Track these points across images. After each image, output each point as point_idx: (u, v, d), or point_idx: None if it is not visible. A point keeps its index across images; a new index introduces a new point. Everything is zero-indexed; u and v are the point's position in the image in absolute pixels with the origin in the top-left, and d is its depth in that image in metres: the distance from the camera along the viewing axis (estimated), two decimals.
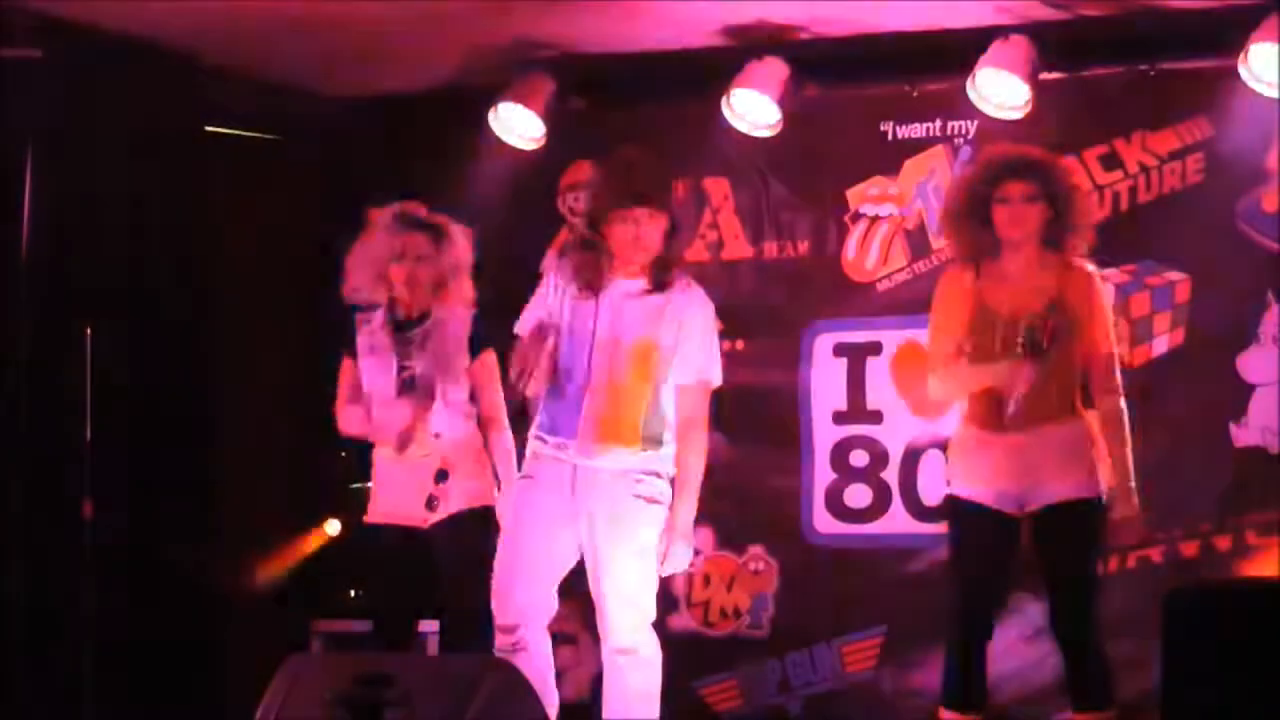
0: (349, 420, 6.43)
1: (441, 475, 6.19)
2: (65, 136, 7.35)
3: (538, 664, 5.67)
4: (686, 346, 5.76)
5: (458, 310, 6.35)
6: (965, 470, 5.94)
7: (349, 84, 8.22)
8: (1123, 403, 5.87)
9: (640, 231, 5.71)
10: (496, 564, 5.78)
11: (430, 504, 6.20)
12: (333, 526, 8.20)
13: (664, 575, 5.80)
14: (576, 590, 5.91)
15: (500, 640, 5.72)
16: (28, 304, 7.21)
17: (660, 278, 5.76)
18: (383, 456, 6.35)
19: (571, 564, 5.79)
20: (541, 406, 5.82)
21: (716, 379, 5.87)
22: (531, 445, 5.84)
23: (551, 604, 5.79)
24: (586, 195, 6.30)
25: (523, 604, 5.73)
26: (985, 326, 5.85)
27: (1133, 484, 5.81)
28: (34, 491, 7.15)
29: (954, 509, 5.96)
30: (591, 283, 5.76)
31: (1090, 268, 5.93)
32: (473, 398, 6.34)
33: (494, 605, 5.74)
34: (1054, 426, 5.81)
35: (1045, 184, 5.86)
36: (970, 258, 5.96)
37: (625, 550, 5.69)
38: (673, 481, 5.79)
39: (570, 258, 5.89)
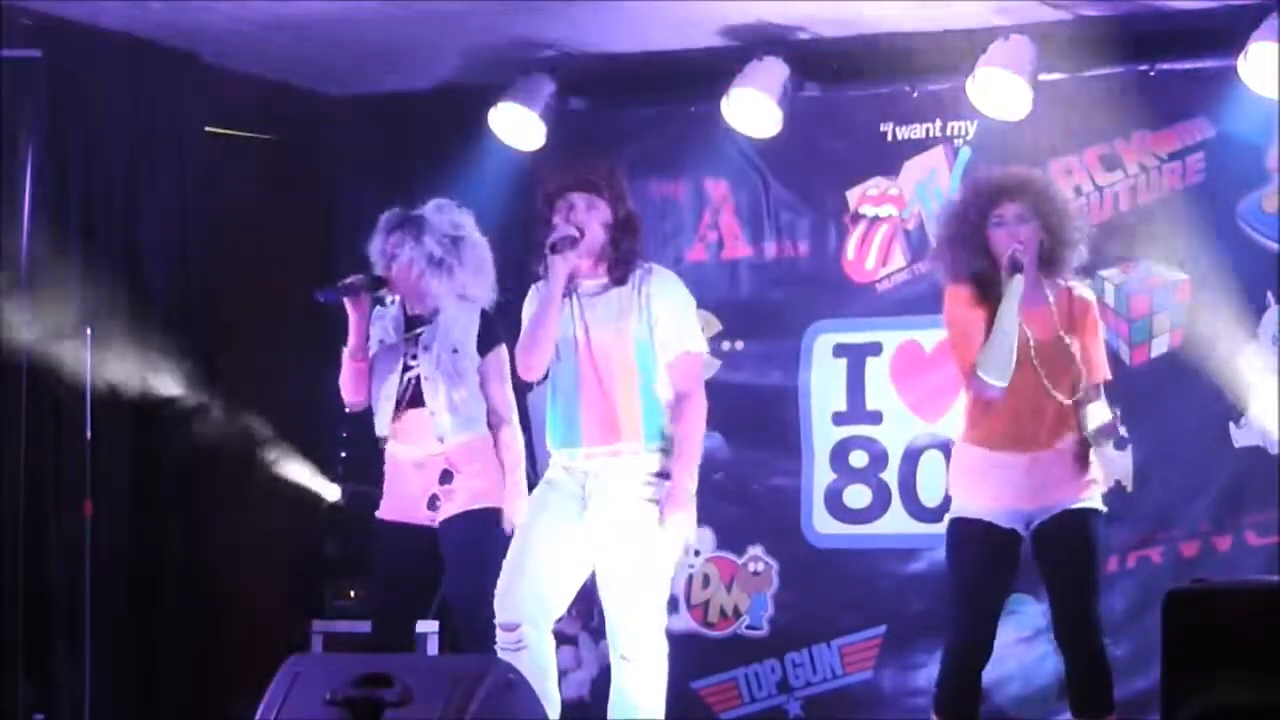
0: (351, 386, 6.36)
1: (446, 476, 6.20)
2: (65, 136, 7.36)
3: (539, 664, 5.64)
4: (661, 326, 5.74)
5: (466, 309, 6.32)
6: (972, 491, 5.82)
7: (349, 84, 8.22)
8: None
9: (574, 216, 5.72)
10: (504, 563, 5.77)
11: (432, 504, 6.20)
12: (331, 492, 8.17)
13: (668, 546, 5.67)
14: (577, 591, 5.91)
15: (501, 638, 5.70)
16: (28, 304, 7.21)
17: (617, 271, 5.77)
18: (392, 455, 6.34)
19: (584, 574, 5.77)
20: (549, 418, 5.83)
21: (700, 346, 5.83)
22: (552, 456, 5.86)
23: (557, 607, 5.76)
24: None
25: (525, 603, 5.70)
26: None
27: None
28: (34, 491, 7.15)
29: (960, 530, 5.83)
30: (563, 286, 5.74)
31: (1087, 293, 5.86)
32: (482, 389, 6.31)
33: (496, 603, 5.73)
34: (1058, 442, 5.74)
35: (1036, 203, 5.76)
36: (965, 283, 5.82)
37: (634, 556, 5.67)
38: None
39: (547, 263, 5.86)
